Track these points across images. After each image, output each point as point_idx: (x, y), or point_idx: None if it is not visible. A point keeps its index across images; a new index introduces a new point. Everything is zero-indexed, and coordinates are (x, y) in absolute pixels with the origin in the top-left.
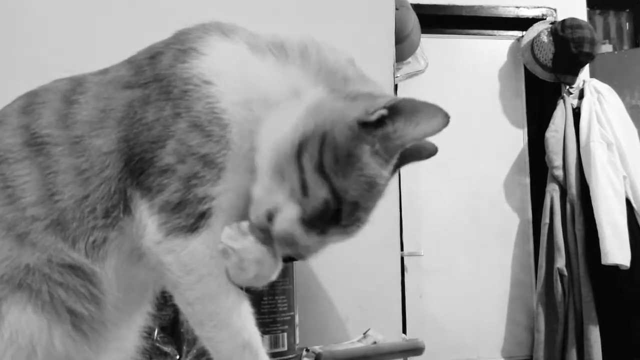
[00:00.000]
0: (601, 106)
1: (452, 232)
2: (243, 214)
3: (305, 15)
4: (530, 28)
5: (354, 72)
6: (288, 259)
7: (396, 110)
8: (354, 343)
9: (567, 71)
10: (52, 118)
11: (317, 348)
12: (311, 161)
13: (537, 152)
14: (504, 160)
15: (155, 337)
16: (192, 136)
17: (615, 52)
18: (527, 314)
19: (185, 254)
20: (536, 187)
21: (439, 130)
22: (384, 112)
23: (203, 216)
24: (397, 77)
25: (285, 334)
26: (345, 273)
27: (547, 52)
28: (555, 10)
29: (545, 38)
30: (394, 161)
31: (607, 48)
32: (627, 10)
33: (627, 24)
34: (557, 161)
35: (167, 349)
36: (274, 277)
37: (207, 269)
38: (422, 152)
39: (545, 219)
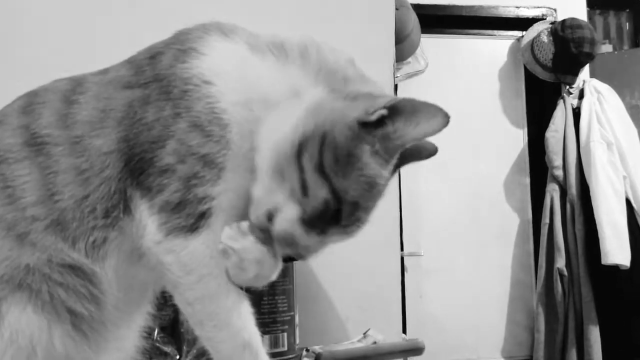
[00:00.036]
0: (601, 106)
1: (452, 232)
2: (243, 214)
3: (305, 15)
4: (530, 28)
5: (354, 72)
6: (288, 259)
7: (396, 110)
8: (354, 343)
9: (567, 71)
10: (52, 118)
11: (317, 348)
12: (311, 161)
13: (537, 152)
14: (504, 160)
15: (155, 337)
16: (192, 136)
17: (615, 52)
18: (527, 314)
19: (185, 254)
20: (536, 187)
21: (439, 130)
22: (384, 112)
23: (203, 216)
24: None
25: (285, 334)
26: (345, 273)
27: (547, 52)
28: (555, 10)
29: (545, 38)
30: (394, 161)
31: (607, 48)
32: (627, 10)
33: (627, 24)
34: (557, 161)
35: (167, 349)
36: (274, 277)
37: (207, 269)
38: (422, 152)
39: (545, 219)
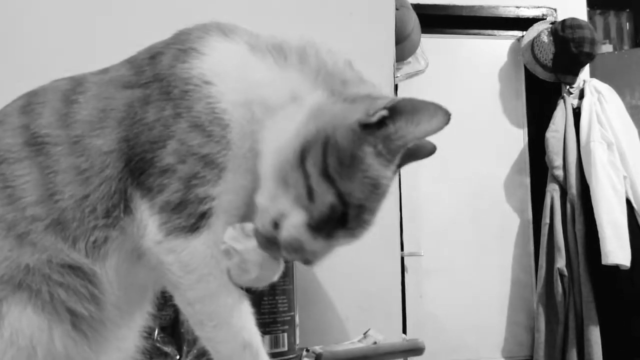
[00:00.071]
0: (601, 106)
1: (452, 232)
2: (243, 214)
3: (305, 15)
4: (531, 28)
5: (352, 74)
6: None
7: (396, 111)
8: (354, 343)
9: (567, 71)
10: (52, 118)
11: (318, 348)
12: (315, 166)
13: (537, 152)
14: (504, 160)
15: (155, 337)
16: (193, 136)
17: (616, 52)
18: (527, 314)
19: (186, 254)
20: (536, 187)
21: (441, 128)
22: (384, 112)
23: (203, 216)
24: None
25: (286, 334)
26: (345, 273)
27: (547, 52)
28: (555, 10)
29: (545, 38)
30: (397, 161)
31: (607, 48)
32: (628, 10)
33: (628, 24)
34: (558, 161)
35: (168, 349)
36: (275, 278)
37: (207, 268)
38: (421, 151)
39: (546, 219)
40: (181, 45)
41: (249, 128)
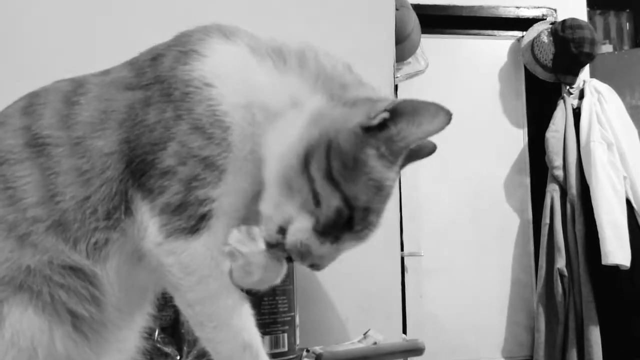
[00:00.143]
0: (601, 106)
1: (452, 232)
2: (244, 216)
3: (305, 15)
4: (531, 28)
5: (352, 77)
6: (291, 259)
7: (397, 112)
8: (354, 343)
9: (567, 71)
10: (53, 119)
11: (318, 348)
12: (319, 170)
13: (537, 152)
14: (504, 160)
15: (155, 338)
16: (193, 138)
17: (616, 52)
18: (527, 314)
19: (186, 255)
20: (536, 187)
21: (442, 128)
22: (385, 115)
23: (204, 218)
24: (397, 77)
25: (286, 335)
26: (345, 273)
27: (547, 53)
28: (555, 10)
29: (545, 38)
30: (400, 162)
31: (607, 48)
32: (628, 10)
33: (628, 24)
34: (558, 161)
35: (168, 349)
36: (278, 281)
37: (207, 270)
38: (422, 150)
39: (546, 219)
40: (182, 47)
41: (249, 130)
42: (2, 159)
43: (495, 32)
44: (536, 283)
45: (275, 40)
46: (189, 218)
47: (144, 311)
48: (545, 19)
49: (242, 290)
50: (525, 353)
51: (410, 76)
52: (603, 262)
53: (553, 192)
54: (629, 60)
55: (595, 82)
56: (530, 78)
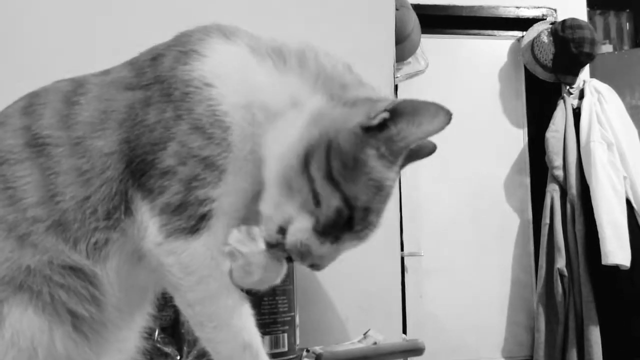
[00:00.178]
0: (601, 106)
1: (452, 232)
2: (244, 216)
3: (305, 15)
4: (531, 28)
5: (352, 77)
6: (291, 259)
7: (397, 112)
8: (354, 343)
9: (567, 71)
10: (53, 119)
11: (318, 348)
12: (319, 170)
13: (537, 152)
14: (504, 160)
15: (155, 338)
16: (193, 138)
17: (616, 52)
18: (527, 314)
19: (186, 255)
20: (536, 187)
21: (442, 128)
22: (385, 115)
23: (204, 218)
24: (397, 77)
25: (286, 335)
26: (345, 273)
27: (547, 53)
28: (555, 10)
29: (545, 38)
30: (400, 162)
31: (607, 48)
32: (628, 10)
33: (628, 24)
34: (558, 161)
35: (168, 349)
36: (278, 281)
37: (207, 270)
38: (422, 150)
39: (546, 219)
40: (182, 47)
41: (249, 130)
42: (2, 159)
43: (495, 32)
44: (536, 283)
45: (275, 40)
46: (189, 218)
47: (144, 311)
48: (545, 19)
49: (242, 290)
50: (525, 353)
51: (410, 76)
52: (603, 262)
53: (553, 192)
54: (629, 60)
55: (595, 82)
56: (530, 78)
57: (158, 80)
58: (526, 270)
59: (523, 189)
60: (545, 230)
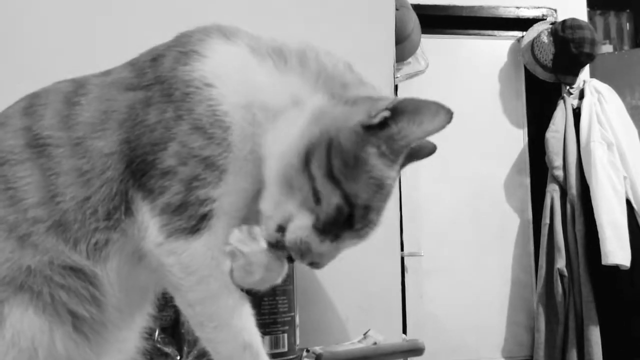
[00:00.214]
0: (601, 106)
1: (452, 232)
2: (244, 216)
3: (306, 15)
4: (531, 28)
5: (352, 76)
6: (291, 259)
7: (398, 111)
8: (354, 343)
9: (567, 71)
10: (54, 119)
11: (318, 349)
12: (320, 168)
13: (537, 152)
14: (504, 160)
15: (156, 338)
16: (194, 138)
17: (616, 53)
18: (527, 314)
19: (187, 255)
20: (536, 188)
21: (443, 127)
22: (386, 113)
23: (204, 218)
24: (397, 77)
25: (286, 335)
26: (345, 273)
27: (547, 53)
28: (555, 10)
29: (545, 38)
30: (400, 161)
31: (607, 48)
32: (628, 10)
33: (628, 24)
34: (558, 161)
35: (168, 349)
36: (279, 280)
37: (208, 270)
38: (422, 150)
39: (546, 219)
40: (182, 47)
41: (250, 130)
42: (3, 159)
43: (495, 32)
44: (536, 283)
45: (276, 40)
46: (190, 218)
47: (144, 311)
48: (545, 19)
49: (242, 290)
50: (525, 353)
51: (410, 76)
52: (603, 262)
53: (553, 192)
54: (629, 60)
55: (595, 82)
56: (530, 78)
57: (158, 80)
58: (526, 270)
59: (523, 189)
60: (545, 231)
